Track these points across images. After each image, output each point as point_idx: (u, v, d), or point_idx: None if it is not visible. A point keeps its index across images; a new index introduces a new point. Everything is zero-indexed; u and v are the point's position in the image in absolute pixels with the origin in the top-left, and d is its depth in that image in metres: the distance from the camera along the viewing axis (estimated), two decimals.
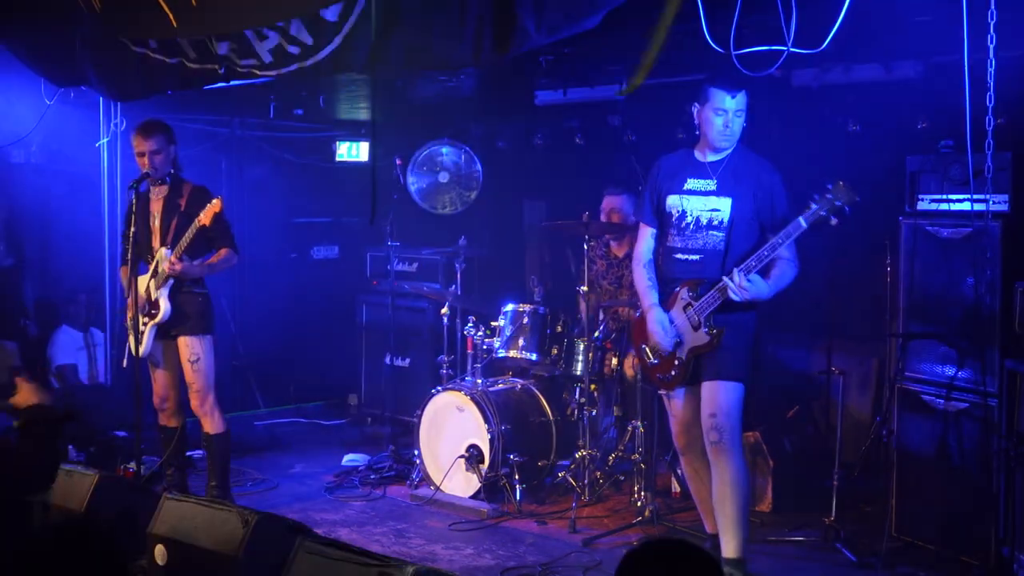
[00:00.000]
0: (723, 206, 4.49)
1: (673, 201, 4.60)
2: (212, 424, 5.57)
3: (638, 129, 6.80)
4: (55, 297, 7.57)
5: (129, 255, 5.34)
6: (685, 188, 4.59)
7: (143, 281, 5.48)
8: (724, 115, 4.44)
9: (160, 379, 5.62)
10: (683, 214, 4.57)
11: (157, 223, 5.52)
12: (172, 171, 5.55)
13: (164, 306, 5.46)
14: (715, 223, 4.51)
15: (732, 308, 4.43)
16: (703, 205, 4.53)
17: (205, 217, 5.29)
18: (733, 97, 4.42)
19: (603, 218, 6.51)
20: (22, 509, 3.32)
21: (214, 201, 5.30)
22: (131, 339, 5.66)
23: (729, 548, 4.43)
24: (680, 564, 2.11)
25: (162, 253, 5.46)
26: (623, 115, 6.78)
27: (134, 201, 5.28)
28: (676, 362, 4.57)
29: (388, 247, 7.33)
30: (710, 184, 4.53)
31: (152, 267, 5.51)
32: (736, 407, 4.43)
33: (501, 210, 8.37)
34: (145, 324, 5.48)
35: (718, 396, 4.43)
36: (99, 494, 4.56)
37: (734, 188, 4.49)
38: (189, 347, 5.50)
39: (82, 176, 7.02)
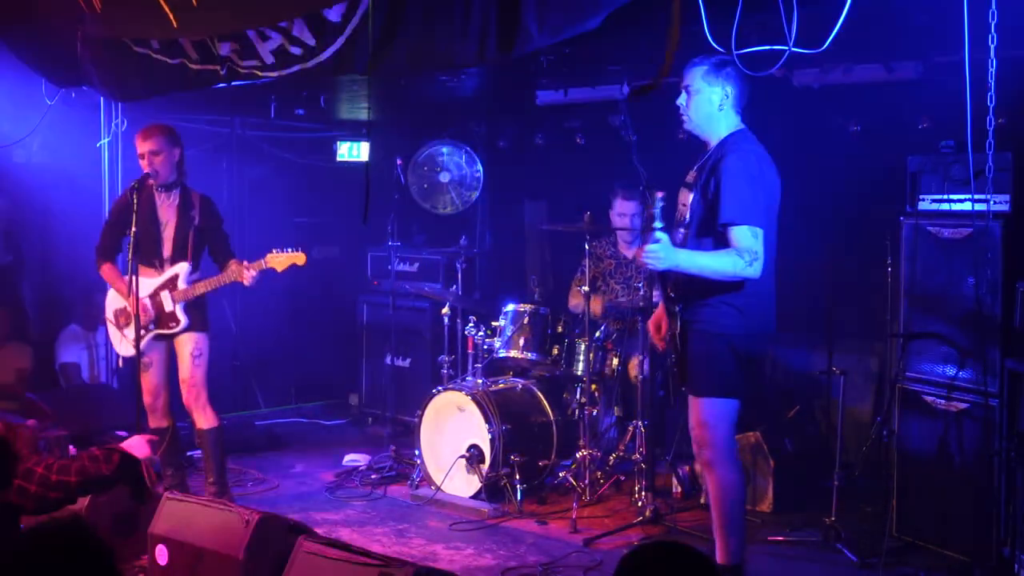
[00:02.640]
0: (688, 201, 4.32)
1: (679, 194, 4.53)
2: (206, 419, 5.59)
3: (639, 129, 6.79)
4: (63, 296, 7.57)
5: (131, 255, 5.34)
6: (685, 180, 4.48)
7: (149, 286, 5.50)
8: (680, 95, 4.34)
9: (152, 379, 5.62)
10: (679, 208, 4.49)
11: (171, 233, 5.53)
12: (178, 178, 5.56)
13: (183, 320, 5.52)
14: (683, 219, 4.35)
15: (696, 316, 4.27)
16: (682, 199, 4.39)
17: (278, 265, 5.43)
18: (683, 74, 4.29)
19: (613, 219, 6.52)
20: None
21: (299, 255, 5.43)
22: (120, 339, 5.67)
23: (719, 555, 4.37)
24: (677, 566, 2.10)
25: (183, 267, 5.48)
26: (624, 115, 6.78)
27: (135, 201, 5.28)
28: (672, 359, 4.52)
29: (389, 247, 7.33)
30: (692, 176, 4.38)
31: (166, 278, 5.51)
32: (709, 422, 4.26)
33: (502, 210, 8.38)
34: (149, 331, 5.49)
35: (692, 410, 4.33)
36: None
37: (699, 182, 4.28)
38: (195, 343, 5.55)
39: (83, 176, 7.02)
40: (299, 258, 5.43)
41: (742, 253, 4.05)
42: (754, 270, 4.07)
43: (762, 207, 4.15)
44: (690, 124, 4.35)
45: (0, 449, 3.39)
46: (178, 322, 5.52)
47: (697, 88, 4.27)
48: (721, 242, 4.15)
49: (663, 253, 4.05)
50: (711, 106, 4.28)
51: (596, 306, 6.31)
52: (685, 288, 4.28)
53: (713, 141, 4.33)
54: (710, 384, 4.26)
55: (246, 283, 5.45)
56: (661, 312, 4.61)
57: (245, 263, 5.45)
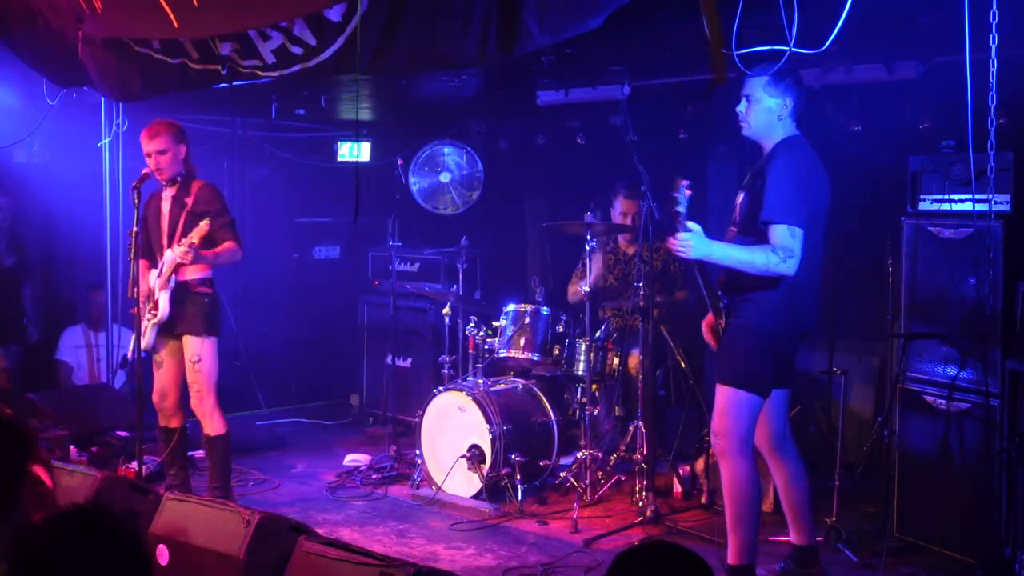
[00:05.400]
0: (739, 200, 4.48)
1: (737, 197, 4.61)
2: (212, 425, 5.57)
3: (640, 129, 6.80)
4: (65, 296, 7.58)
5: (132, 253, 5.34)
6: (744, 183, 4.57)
7: (152, 278, 5.51)
8: (741, 103, 4.46)
9: (161, 377, 5.63)
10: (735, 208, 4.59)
11: (166, 223, 5.53)
12: (183, 171, 5.55)
13: (163, 308, 5.47)
14: (735, 218, 4.50)
15: (736, 307, 4.39)
16: (738, 200, 4.53)
17: (194, 236, 5.24)
18: (744, 84, 4.41)
19: (615, 217, 6.52)
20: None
21: (201, 224, 5.23)
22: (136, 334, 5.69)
23: (729, 553, 4.40)
24: (671, 567, 2.09)
25: (168, 255, 5.47)
26: (625, 115, 6.78)
27: (136, 201, 5.28)
28: None
29: (389, 247, 7.33)
30: (747, 179, 4.52)
31: (160, 267, 5.52)
32: (729, 412, 4.33)
33: (503, 210, 8.38)
34: (148, 320, 5.51)
35: (716, 399, 4.42)
36: (101, 494, 4.56)
37: (750, 182, 4.44)
38: (191, 347, 5.51)
39: (84, 176, 7.03)
40: (202, 228, 5.20)
41: (777, 250, 4.19)
42: (787, 267, 4.20)
43: (803, 208, 4.26)
44: (749, 131, 4.47)
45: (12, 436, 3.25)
46: (158, 309, 5.48)
47: (758, 98, 4.40)
48: (762, 239, 4.26)
49: (695, 242, 4.20)
50: (771, 115, 4.41)
51: (597, 265, 6.35)
52: (729, 284, 4.42)
53: (768, 146, 4.46)
54: (738, 375, 4.35)
55: (180, 259, 5.29)
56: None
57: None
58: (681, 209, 4.19)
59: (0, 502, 2.78)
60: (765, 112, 4.39)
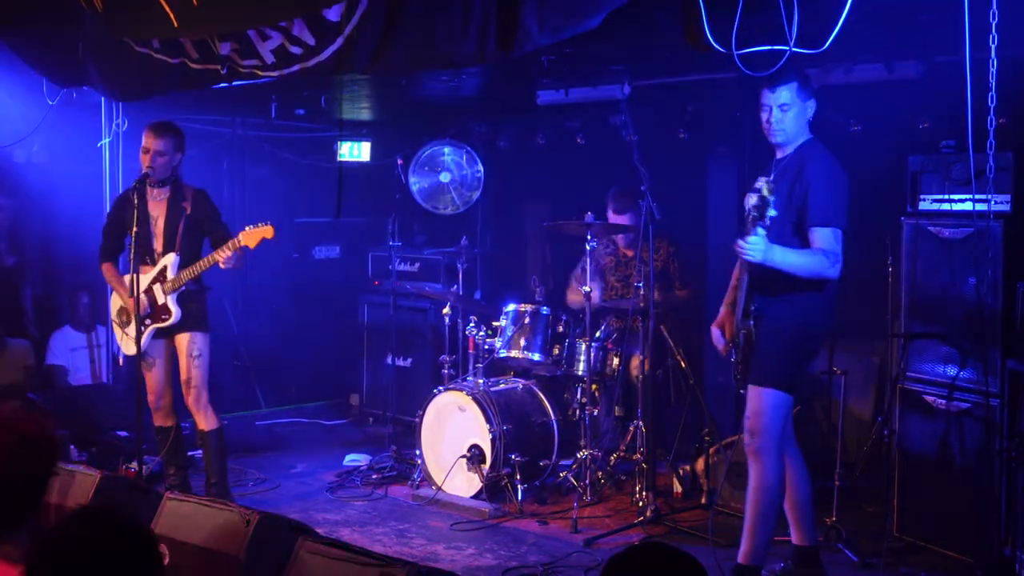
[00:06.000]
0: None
1: (746, 198, 4.59)
2: (207, 421, 5.60)
3: (640, 129, 6.79)
4: (56, 298, 7.57)
5: (132, 255, 5.34)
6: (755, 185, 4.56)
7: (143, 282, 5.49)
8: (766, 111, 4.42)
9: (155, 378, 5.63)
10: (748, 209, 4.56)
11: (160, 226, 5.53)
12: (172, 176, 5.56)
13: (175, 312, 5.50)
14: (762, 220, 4.46)
15: (769, 308, 4.38)
16: (752, 202, 4.48)
17: (250, 240, 5.29)
18: (772, 92, 4.38)
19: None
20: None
21: (267, 228, 5.32)
22: (122, 337, 5.69)
23: (741, 553, 4.41)
24: (664, 569, 2.09)
25: (170, 259, 5.47)
26: (625, 115, 6.78)
27: (136, 201, 5.28)
28: (735, 359, 4.58)
29: (390, 247, 7.33)
30: (762, 182, 4.44)
31: (156, 271, 5.52)
32: (765, 411, 4.35)
33: (503, 210, 8.38)
34: (146, 325, 5.50)
35: (750, 399, 4.41)
36: (101, 494, 4.56)
37: (779, 185, 4.38)
38: (193, 343, 5.53)
39: (84, 176, 7.02)
40: (267, 231, 5.32)
41: (827, 254, 4.26)
42: (835, 271, 4.29)
43: (843, 210, 4.32)
44: (782, 136, 4.45)
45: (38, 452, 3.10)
46: (170, 314, 5.50)
47: (791, 103, 4.40)
48: (803, 242, 4.30)
49: (762, 246, 4.19)
50: (804, 119, 4.45)
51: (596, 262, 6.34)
52: (765, 286, 4.40)
53: (789, 149, 4.47)
54: (774, 375, 4.37)
55: (222, 264, 5.35)
56: (725, 316, 4.66)
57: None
58: (772, 212, 4.17)
59: (21, 512, 2.76)
60: (800, 117, 4.42)
